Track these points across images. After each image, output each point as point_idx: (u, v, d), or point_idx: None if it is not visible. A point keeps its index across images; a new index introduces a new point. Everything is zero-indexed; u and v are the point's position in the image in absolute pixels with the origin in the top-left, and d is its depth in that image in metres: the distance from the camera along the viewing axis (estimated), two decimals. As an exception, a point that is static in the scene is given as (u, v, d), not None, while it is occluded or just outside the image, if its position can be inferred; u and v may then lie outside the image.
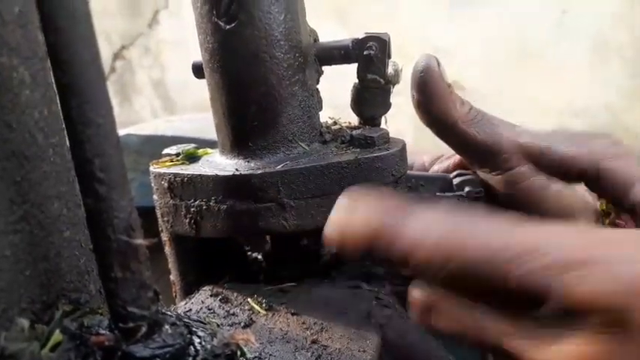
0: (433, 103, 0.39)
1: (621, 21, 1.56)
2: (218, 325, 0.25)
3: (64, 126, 0.21)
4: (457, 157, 0.46)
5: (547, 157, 0.39)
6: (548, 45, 1.63)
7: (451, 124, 0.39)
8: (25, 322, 0.20)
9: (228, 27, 0.34)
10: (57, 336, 0.21)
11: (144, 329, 0.20)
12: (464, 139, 0.40)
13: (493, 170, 0.41)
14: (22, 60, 0.21)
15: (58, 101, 0.20)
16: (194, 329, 0.23)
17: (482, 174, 0.43)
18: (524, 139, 0.40)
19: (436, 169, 0.47)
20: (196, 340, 0.22)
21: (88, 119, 0.19)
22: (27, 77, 0.21)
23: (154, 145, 0.64)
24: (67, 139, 0.21)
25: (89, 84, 0.19)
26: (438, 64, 0.39)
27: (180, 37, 2.08)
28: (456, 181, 0.42)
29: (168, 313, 0.23)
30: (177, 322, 0.22)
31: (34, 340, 0.20)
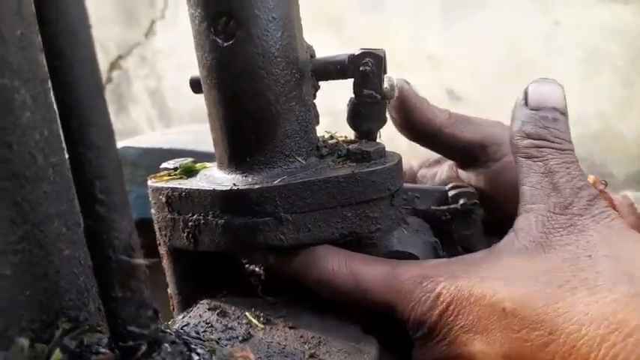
0: (414, 116, 0.42)
1: (612, 31, 1.58)
2: (217, 342, 0.25)
3: (64, 145, 0.21)
4: (446, 164, 0.47)
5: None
6: (540, 55, 1.64)
7: (436, 130, 0.43)
8: (25, 342, 0.21)
9: (226, 44, 0.34)
10: (57, 355, 0.21)
11: (144, 348, 0.20)
12: (452, 141, 0.43)
13: (482, 166, 0.44)
14: (23, 82, 0.22)
15: (59, 121, 0.21)
16: (193, 346, 0.23)
17: (471, 178, 0.44)
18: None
19: (424, 172, 0.48)
20: (195, 358, 0.23)
21: (89, 141, 0.19)
22: (28, 99, 0.22)
23: (151, 158, 0.64)
24: (66, 158, 0.21)
25: (91, 107, 0.19)
26: (407, 82, 0.42)
27: (176, 47, 2.09)
28: (451, 193, 0.42)
29: (168, 331, 0.23)
30: (177, 340, 0.22)
31: (35, 359, 0.21)
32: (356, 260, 0.35)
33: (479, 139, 0.43)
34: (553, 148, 0.34)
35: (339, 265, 0.34)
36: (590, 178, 0.39)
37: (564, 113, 0.36)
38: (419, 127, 0.42)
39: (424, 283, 0.32)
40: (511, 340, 0.29)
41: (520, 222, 0.34)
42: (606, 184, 0.45)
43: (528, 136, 0.35)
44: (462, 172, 0.47)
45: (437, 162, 0.49)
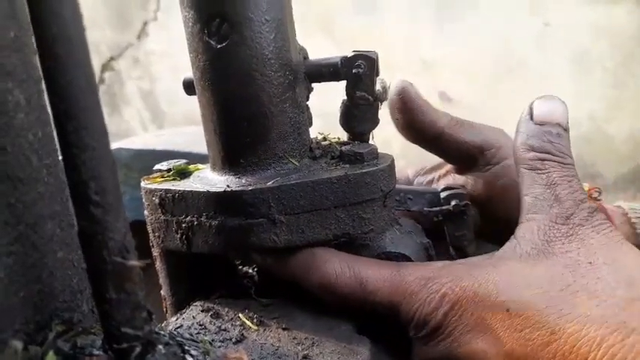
0: (417, 118, 0.43)
1: (602, 32, 1.60)
2: (210, 343, 0.25)
3: (57, 147, 0.21)
4: (443, 170, 0.48)
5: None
6: (531, 57, 1.66)
7: (438, 133, 0.43)
8: (18, 344, 0.21)
9: (219, 46, 0.34)
10: (50, 357, 0.21)
11: (138, 350, 0.21)
12: (452, 144, 0.44)
13: (480, 170, 0.44)
14: (17, 83, 0.22)
15: (52, 123, 0.21)
16: (187, 348, 0.23)
17: (467, 181, 0.45)
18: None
19: (421, 180, 0.49)
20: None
21: (83, 143, 0.19)
22: (22, 100, 0.22)
23: (145, 159, 0.64)
24: (60, 159, 0.21)
25: (85, 109, 0.19)
26: (411, 84, 0.43)
27: (169, 49, 2.08)
28: (443, 195, 0.43)
29: (162, 332, 0.23)
30: (171, 342, 0.22)
31: (28, 361, 0.21)
32: (359, 263, 0.35)
33: (479, 143, 0.44)
34: (556, 162, 0.36)
35: (341, 268, 0.35)
36: (585, 187, 0.40)
37: (567, 129, 0.37)
38: (421, 128, 0.43)
39: (429, 284, 0.33)
40: (513, 340, 0.30)
41: (522, 230, 0.35)
42: (600, 192, 0.45)
43: (532, 149, 0.37)
44: (458, 177, 0.47)
45: (432, 169, 0.49)
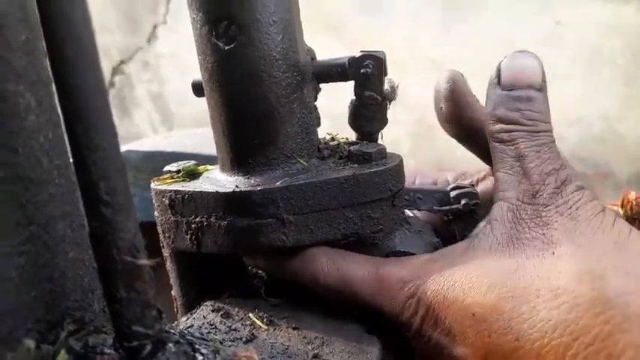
0: (463, 111, 0.39)
1: (613, 30, 1.58)
2: (220, 342, 0.26)
3: (68, 148, 0.22)
4: (481, 175, 0.46)
5: None
6: (541, 55, 1.64)
7: (480, 131, 0.39)
8: (31, 343, 0.21)
9: (227, 48, 0.35)
10: (62, 356, 0.21)
11: (148, 348, 0.21)
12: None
13: None
14: (28, 86, 0.22)
15: (62, 124, 0.21)
16: (197, 346, 0.23)
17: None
18: None
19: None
20: (199, 358, 0.23)
21: (93, 144, 0.19)
22: (33, 102, 0.22)
23: (154, 161, 0.65)
24: (71, 160, 0.22)
25: (94, 110, 0.19)
26: (462, 75, 0.40)
27: (178, 52, 2.10)
28: (452, 194, 0.42)
29: (172, 331, 0.23)
30: (181, 340, 0.22)
31: (40, 360, 0.21)
32: (345, 261, 0.35)
33: None
34: (524, 131, 0.33)
35: (327, 265, 0.34)
36: (632, 195, 0.38)
37: (541, 89, 0.34)
38: (466, 122, 0.40)
39: (406, 287, 0.33)
40: (485, 345, 0.29)
41: (495, 212, 0.33)
42: None
43: (499, 121, 0.34)
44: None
45: (472, 176, 0.46)
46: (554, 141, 0.33)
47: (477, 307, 0.29)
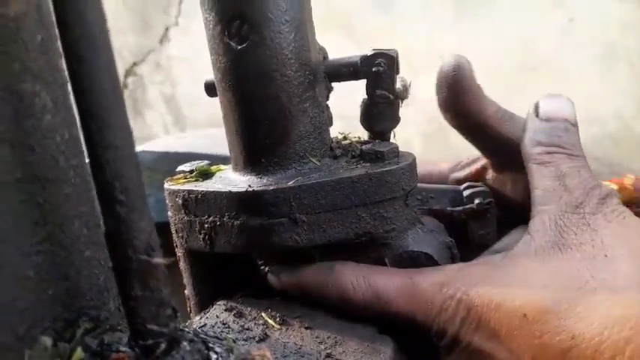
0: (465, 101, 0.39)
1: (628, 27, 1.56)
2: (234, 341, 0.26)
3: (83, 148, 0.22)
4: (477, 165, 0.46)
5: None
6: (555, 53, 1.63)
7: (482, 122, 0.40)
8: (48, 341, 0.21)
9: (239, 47, 0.35)
10: (79, 353, 0.21)
11: (163, 346, 0.21)
12: (495, 137, 0.40)
13: (518, 170, 0.41)
14: (44, 86, 0.22)
15: (78, 124, 0.21)
16: (211, 345, 0.23)
17: (505, 181, 0.43)
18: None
19: (456, 176, 0.47)
20: (213, 356, 0.23)
21: (108, 143, 0.19)
22: (49, 102, 0.22)
23: (168, 162, 0.65)
24: (86, 160, 0.22)
25: (109, 109, 0.19)
26: (468, 62, 0.39)
27: (190, 53, 2.11)
28: (465, 193, 0.42)
29: (186, 329, 0.23)
30: (195, 339, 0.22)
31: (57, 358, 0.21)
32: (374, 273, 0.34)
33: (519, 140, 0.40)
34: (564, 154, 0.35)
35: (357, 280, 0.34)
36: (630, 178, 0.39)
37: (575, 125, 0.37)
38: (466, 112, 0.40)
39: (444, 289, 0.32)
40: (534, 347, 0.29)
41: (534, 224, 0.34)
42: None
43: (540, 144, 0.36)
44: (496, 176, 0.44)
45: (468, 164, 0.46)
46: (589, 166, 0.35)
47: (529, 307, 0.29)
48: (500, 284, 0.31)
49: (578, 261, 0.30)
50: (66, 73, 0.20)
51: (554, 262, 0.31)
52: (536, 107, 0.38)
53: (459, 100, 0.39)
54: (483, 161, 0.45)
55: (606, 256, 0.30)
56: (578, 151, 0.35)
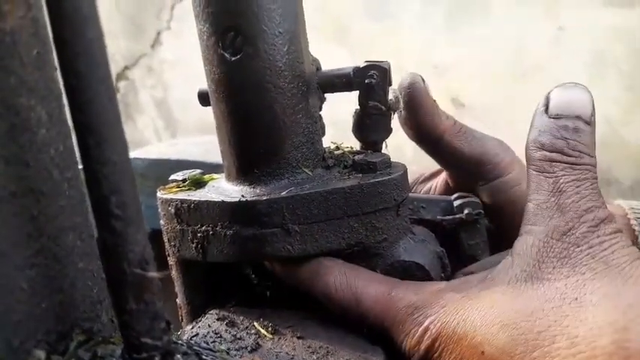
0: (420, 117, 0.40)
1: (617, 35, 1.58)
2: (227, 352, 0.26)
3: (78, 160, 0.22)
4: (440, 179, 0.47)
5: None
6: (545, 61, 1.65)
7: (438, 137, 0.41)
8: (41, 354, 0.21)
9: (233, 59, 0.35)
10: (72, 366, 0.22)
11: (157, 359, 0.21)
12: (451, 151, 0.42)
13: (478, 181, 0.43)
14: (39, 99, 0.22)
15: (72, 137, 0.21)
16: (204, 357, 0.24)
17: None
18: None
19: (419, 189, 0.48)
20: (207, 369, 0.23)
21: (105, 158, 0.19)
22: (44, 116, 0.22)
23: (160, 169, 0.65)
24: (80, 172, 0.22)
25: (106, 124, 0.20)
26: (423, 80, 0.40)
27: (182, 58, 2.11)
28: (456, 203, 0.42)
29: (180, 342, 0.23)
30: (189, 351, 0.23)
31: (50, 370, 0.21)
32: (358, 277, 0.34)
33: (477, 156, 0.41)
34: (567, 163, 0.32)
35: (340, 280, 0.34)
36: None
37: (589, 123, 0.33)
38: (422, 128, 0.40)
39: (415, 314, 0.32)
40: None
41: (518, 245, 0.32)
42: None
43: (542, 148, 0.33)
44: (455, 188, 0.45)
45: (429, 177, 0.48)
46: (596, 178, 0.32)
47: (487, 345, 0.29)
48: (467, 316, 0.30)
49: (546, 301, 0.29)
50: (61, 85, 0.21)
51: (524, 297, 0.30)
52: (547, 100, 0.34)
53: (415, 116, 0.40)
54: (444, 174, 0.46)
55: (576, 299, 0.28)
56: (586, 157, 0.32)
